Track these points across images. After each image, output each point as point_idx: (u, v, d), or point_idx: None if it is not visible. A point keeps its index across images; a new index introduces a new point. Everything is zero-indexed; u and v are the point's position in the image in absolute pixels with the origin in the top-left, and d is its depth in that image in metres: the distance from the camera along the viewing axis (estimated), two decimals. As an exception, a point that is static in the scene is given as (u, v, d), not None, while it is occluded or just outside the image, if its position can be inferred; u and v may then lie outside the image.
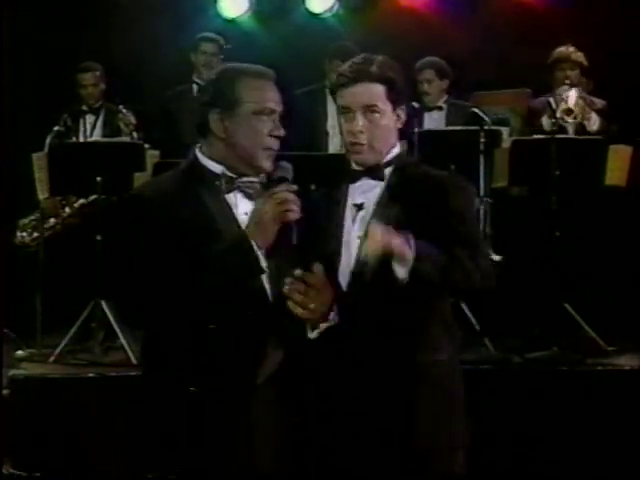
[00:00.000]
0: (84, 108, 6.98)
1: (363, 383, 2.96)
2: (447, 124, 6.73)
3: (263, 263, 2.79)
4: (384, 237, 2.75)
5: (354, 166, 3.08)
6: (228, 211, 2.89)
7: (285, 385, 2.91)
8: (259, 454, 2.86)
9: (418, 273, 2.78)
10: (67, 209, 6.23)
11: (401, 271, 2.79)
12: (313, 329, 2.91)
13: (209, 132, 2.92)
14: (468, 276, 2.87)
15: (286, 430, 2.92)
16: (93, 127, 6.96)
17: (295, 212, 2.79)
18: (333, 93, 3.11)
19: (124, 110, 6.40)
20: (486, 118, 6.07)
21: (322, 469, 3.00)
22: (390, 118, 3.05)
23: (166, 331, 2.84)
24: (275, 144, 2.92)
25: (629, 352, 5.80)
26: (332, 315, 2.92)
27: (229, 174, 2.91)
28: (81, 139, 6.77)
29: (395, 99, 3.04)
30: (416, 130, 5.96)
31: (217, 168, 2.92)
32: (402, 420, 2.94)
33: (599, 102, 6.61)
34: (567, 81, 6.49)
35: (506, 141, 6.12)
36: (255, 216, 2.80)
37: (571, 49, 6.58)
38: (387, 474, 2.96)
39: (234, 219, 2.89)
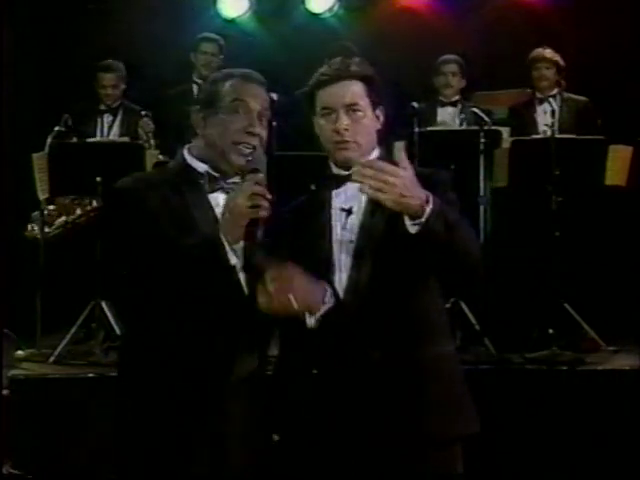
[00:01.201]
0: (102, 107, 6.98)
1: (366, 380, 2.94)
2: (461, 122, 6.73)
3: (233, 260, 2.76)
4: (411, 191, 2.70)
5: (336, 170, 3.06)
6: (209, 211, 2.89)
7: (260, 385, 2.91)
8: (232, 453, 2.85)
9: (429, 229, 2.74)
10: (79, 210, 6.22)
11: (413, 226, 2.76)
12: (311, 316, 2.89)
13: (194, 131, 2.97)
14: (468, 250, 2.85)
15: (261, 429, 2.92)
16: (110, 127, 6.96)
17: (264, 208, 2.75)
18: (312, 95, 3.05)
19: (144, 117, 6.39)
20: (486, 118, 6.07)
21: (324, 459, 2.99)
22: (371, 118, 3.03)
23: (143, 328, 2.84)
24: (249, 140, 2.91)
25: (629, 352, 5.80)
26: (327, 297, 2.90)
27: (213, 173, 2.93)
28: (98, 139, 6.76)
29: (374, 98, 3.03)
30: (416, 130, 5.95)
31: (201, 167, 2.94)
32: (410, 411, 2.93)
33: (580, 99, 6.74)
34: (544, 82, 6.68)
35: (506, 141, 6.12)
36: (225, 211, 2.78)
37: (547, 50, 6.71)
38: (392, 461, 2.95)
39: (214, 219, 2.88)
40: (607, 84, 7.12)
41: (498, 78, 7.27)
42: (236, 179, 2.93)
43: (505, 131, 6.23)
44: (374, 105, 3.04)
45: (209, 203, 2.91)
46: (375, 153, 3.07)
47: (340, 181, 3.05)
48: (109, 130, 6.94)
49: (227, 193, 2.90)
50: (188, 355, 2.81)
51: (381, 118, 3.07)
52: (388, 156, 3.02)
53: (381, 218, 2.95)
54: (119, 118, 6.97)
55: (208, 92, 2.97)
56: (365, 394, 2.94)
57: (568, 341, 5.85)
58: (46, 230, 6.11)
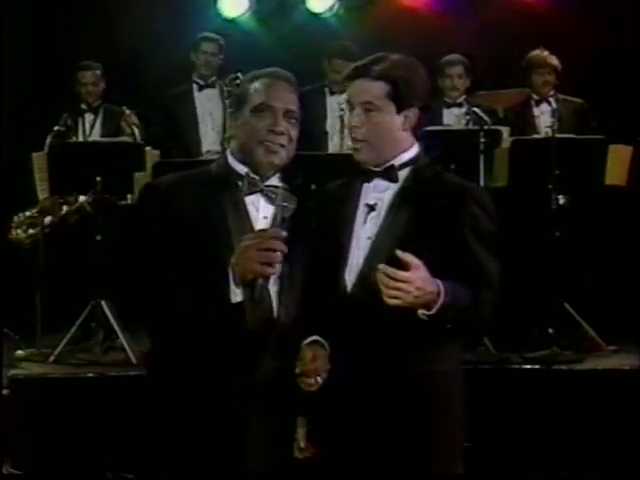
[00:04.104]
0: (83, 107, 6.98)
1: (364, 385, 2.94)
2: (467, 122, 6.73)
3: (237, 298, 2.76)
4: (424, 289, 2.77)
5: (368, 165, 3.06)
6: (243, 213, 2.91)
7: (283, 386, 2.90)
8: (255, 455, 2.86)
9: (439, 317, 2.82)
10: (65, 207, 6.22)
11: (424, 314, 2.81)
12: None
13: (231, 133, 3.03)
14: (481, 322, 3.02)
15: (284, 431, 2.93)
16: (92, 126, 6.96)
17: (273, 268, 2.74)
18: (344, 87, 3.10)
19: (127, 111, 6.39)
20: (486, 118, 6.07)
21: (323, 470, 2.99)
22: (391, 117, 3.01)
23: (165, 330, 2.85)
24: (274, 139, 2.93)
25: (629, 352, 5.80)
26: None
27: (252, 175, 2.94)
28: (80, 138, 6.75)
29: (400, 99, 3.00)
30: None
31: (241, 169, 2.95)
32: (403, 424, 2.93)
33: (576, 101, 6.78)
34: (546, 87, 6.75)
35: (506, 141, 6.11)
36: (237, 254, 2.76)
37: (545, 53, 6.76)
38: (388, 474, 2.95)
39: (248, 221, 2.90)
40: (606, 84, 7.12)
41: (498, 78, 7.27)
42: (274, 181, 2.95)
43: (505, 131, 6.22)
44: (400, 106, 3.00)
45: (245, 206, 2.92)
46: (411, 152, 3.06)
47: (370, 175, 3.05)
48: (91, 130, 6.93)
49: (266, 195, 2.92)
50: (212, 356, 2.83)
51: (412, 118, 3.03)
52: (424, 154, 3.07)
53: (402, 220, 2.96)
54: (100, 117, 6.98)
55: (237, 94, 3.00)
56: (361, 391, 2.94)
57: (568, 341, 5.85)
58: (31, 232, 6.10)
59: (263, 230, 2.82)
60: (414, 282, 2.77)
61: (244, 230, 2.87)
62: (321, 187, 3.24)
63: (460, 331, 2.99)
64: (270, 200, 2.93)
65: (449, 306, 2.81)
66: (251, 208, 2.93)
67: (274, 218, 2.85)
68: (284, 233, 2.75)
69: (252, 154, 2.93)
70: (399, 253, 2.78)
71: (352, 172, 3.11)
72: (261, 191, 2.93)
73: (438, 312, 2.80)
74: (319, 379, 2.88)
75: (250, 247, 2.73)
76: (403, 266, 2.79)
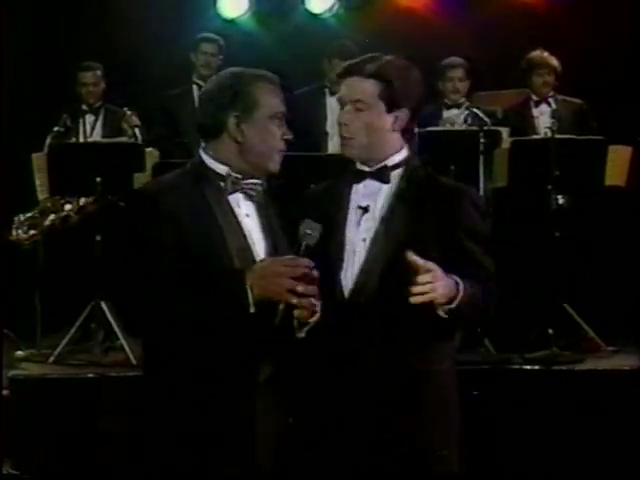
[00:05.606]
0: (84, 107, 6.98)
1: (361, 388, 2.94)
2: (465, 120, 6.72)
3: (251, 309, 2.75)
4: (435, 287, 2.74)
5: (359, 166, 3.05)
6: (231, 213, 2.91)
7: (285, 383, 2.90)
8: (260, 453, 2.86)
9: (457, 313, 2.81)
10: (67, 206, 6.22)
11: (442, 311, 2.80)
12: (302, 327, 2.85)
13: (222, 134, 2.93)
14: (487, 314, 3.00)
15: (286, 429, 2.93)
16: (93, 127, 6.96)
17: (298, 299, 2.73)
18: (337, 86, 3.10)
19: (128, 112, 6.39)
20: (486, 118, 6.07)
21: (319, 470, 2.99)
22: (381, 117, 3.00)
23: (166, 331, 2.85)
24: (284, 146, 2.95)
25: (629, 352, 5.81)
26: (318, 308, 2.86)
27: (234, 175, 2.93)
28: (81, 139, 6.75)
29: (391, 99, 3.00)
30: (416, 130, 5.93)
31: (222, 169, 2.94)
32: (400, 425, 2.94)
33: (575, 102, 6.78)
34: (546, 88, 6.77)
35: (506, 141, 6.12)
36: (262, 274, 2.76)
37: (545, 53, 6.78)
38: (383, 475, 2.95)
39: (235, 219, 2.91)
40: (606, 84, 7.12)
41: (498, 78, 7.27)
42: (254, 180, 2.95)
43: (505, 131, 6.23)
44: (390, 106, 3.00)
45: (230, 206, 2.92)
46: (402, 154, 3.05)
47: (360, 177, 3.04)
48: (92, 130, 6.92)
49: (245, 193, 2.92)
50: (214, 356, 2.82)
51: (402, 119, 3.03)
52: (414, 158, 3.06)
53: (398, 221, 2.95)
54: (101, 118, 6.97)
55: (240, 96, 2.92)
56: (357, 397, 2.93)
57: (568, 341, 5.86)
58: (32, 232, 6.10)
59: (293, 258, 2.79)
60: (440, 276, 2.76)
61: (234, 229, 2.88)
62: (306, 189, 3.23)
63: (466, 325, 2.99)
64: (249, 197, 2.94)
65: (467, 301, 2.80)
66: (234, 206, 2.93)
67: (298, 247, 2.80)
68: (315, 273, 2.75)
69: (265, 160, 2.93)
70: (411, 257, 2.76)
71: (339, 173, 3.11)
72: (241, 189, 2.93)
73: (457, 307, 2.79)
74: (313, 301, 2.80)
75: (284, 274, 2.73)
76: (406, 267, 2.77)
